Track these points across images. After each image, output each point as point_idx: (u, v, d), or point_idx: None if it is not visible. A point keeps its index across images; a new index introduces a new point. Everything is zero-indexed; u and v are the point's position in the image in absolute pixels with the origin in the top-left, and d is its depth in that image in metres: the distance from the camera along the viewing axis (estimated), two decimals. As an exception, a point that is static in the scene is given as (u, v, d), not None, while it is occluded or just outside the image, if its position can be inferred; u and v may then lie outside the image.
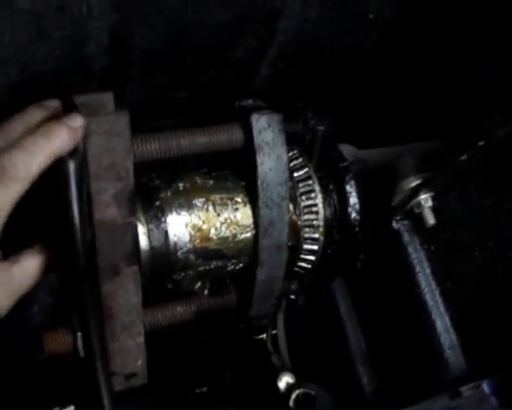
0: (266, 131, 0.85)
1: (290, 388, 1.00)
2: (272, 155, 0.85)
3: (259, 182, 0.85)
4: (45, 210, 0.74)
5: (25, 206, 0.80)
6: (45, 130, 0.70)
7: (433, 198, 0.85)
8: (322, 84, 1.01)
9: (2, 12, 0.71)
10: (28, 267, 0.73)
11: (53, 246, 0.74)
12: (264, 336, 1.13)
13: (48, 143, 0.69)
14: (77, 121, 0.72)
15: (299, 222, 0.92)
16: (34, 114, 0.75)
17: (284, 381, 1.01)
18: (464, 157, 0.81)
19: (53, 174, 0.69)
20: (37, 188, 0.76)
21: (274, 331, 1.13)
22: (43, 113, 0.76)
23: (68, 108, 0.78)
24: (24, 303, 0.76)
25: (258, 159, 0.84)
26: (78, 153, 0.70)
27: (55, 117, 0.73)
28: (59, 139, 0.70)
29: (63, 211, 0.70)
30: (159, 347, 0.99)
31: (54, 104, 0.78)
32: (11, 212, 0.68)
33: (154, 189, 0.86)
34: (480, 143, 0.80)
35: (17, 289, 0.72)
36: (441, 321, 0.86)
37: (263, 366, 1.11)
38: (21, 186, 0.68)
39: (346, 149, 0.98)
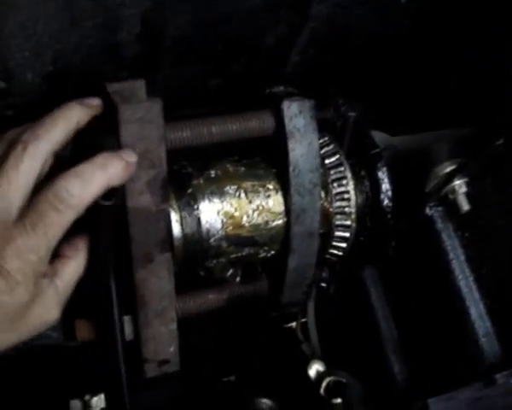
0: (297, 117, 0.85)
1: (321, 376, 1.00)
2: (303, 142, 0.85)
3: (291, 168, 0.85)
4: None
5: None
6: (103, 161, 0.72)
7: (468, 184, 0.84)
8: (353, 70, 1.01)
9: (36, 0, 0.71)
10: (68, 276, 0.75)
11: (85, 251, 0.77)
12: (294, 324, 1.12)
13: (104, 175, 0.71)
14: (132, 157, 0.74)
15: (331, 209, 0.91)
16: (75, 112, 0.76)
17: (314, 369, 1.01)
18: (500, 141, 0.80)
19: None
20: None
21: (304, 319, 1.13)
22: (84, 111, 0.77)
23: (102, 97, 0.78)
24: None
25: (290, 145, 0.84)
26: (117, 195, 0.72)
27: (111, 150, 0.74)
28: (115, 172, 0.72)
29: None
30: (189, 334, 0.99)
31: (95, 103, 0.79)
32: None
33: (186, 176, 0.86)
34: (517, 128, 0.79)
35: (63, 297, 0.75)
36: (476, 308, 0.85)
37: (293, 354, 1.11)
38: (75, 213, 0.69)
39: (378, 136, 0.97)
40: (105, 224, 0.72)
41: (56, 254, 0.74)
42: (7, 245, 0.66)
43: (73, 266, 0.76)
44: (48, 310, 0.73)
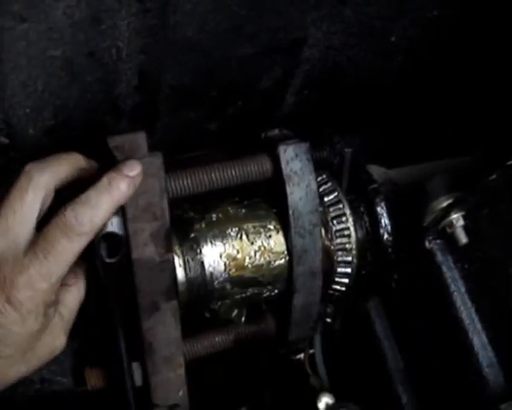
0: (294, 161, 0.86)
1: (330, 408, 1.00)
2: (301, 185, 0.86)
3: (290, 211, 0.86)
4: None
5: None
6: (107, 183, 0.73)
7: (465, 217, 0.85)
8: (349, 107, 1.02)
9: (35, 60, 0.73)
10: (70, 303, 0.78)
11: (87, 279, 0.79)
12: (302, 356, 1.13)
13: (110, 197, 0.73)
14: (135, 168, 0.76)
15: (332, 246, 0.92)
16: (79, 159, 0.79)
17: (324, 402, 1.01)
18: (494, 176, 0.81)
19: None
20: None
21: (311, 351, 1.13)
22: (87, 162, 0.79)
23: (103, 151, 0.80)
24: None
25: (288, 189, 0.85)
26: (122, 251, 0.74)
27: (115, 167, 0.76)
28: (120, 191, 0.74)
29: None
30: (198, 369, 1.00)
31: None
32: None
33: (188, 221, 0.88)
34: (510, 163, 0.80)
35: (67, 324, 0.77)
36: (478, 339, 0.85)
37: (302, 387, 1.11)
38: (85, 240, 0.71)
39: (375, 170, 0.98)
40: (111, 279, 0.73)
41: None
42: (19, 275, 0.68)
43: (75, 293, 0.78)
44: (55, 338, 0.75)
